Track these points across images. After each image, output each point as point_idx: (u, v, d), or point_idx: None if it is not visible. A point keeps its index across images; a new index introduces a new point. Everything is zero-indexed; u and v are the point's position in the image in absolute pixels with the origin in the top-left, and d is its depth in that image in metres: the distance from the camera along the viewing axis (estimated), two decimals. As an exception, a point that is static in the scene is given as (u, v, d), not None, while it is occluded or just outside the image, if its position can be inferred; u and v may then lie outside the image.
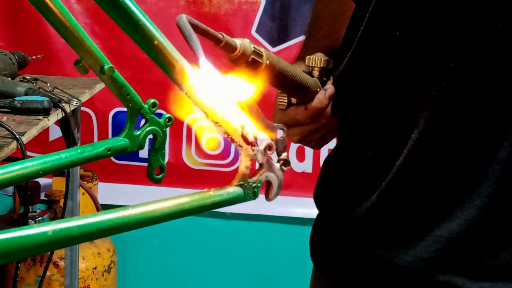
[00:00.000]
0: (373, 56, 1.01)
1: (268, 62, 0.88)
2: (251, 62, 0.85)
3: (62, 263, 2.39)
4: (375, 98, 1.03)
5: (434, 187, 0.99)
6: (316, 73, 1.03)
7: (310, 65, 1.04)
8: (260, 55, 0.87)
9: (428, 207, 1.00)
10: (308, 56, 1.04)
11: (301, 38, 2.54)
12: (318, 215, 1.17)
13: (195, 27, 0.68)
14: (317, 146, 1.11)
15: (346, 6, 1.08)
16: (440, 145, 0.97)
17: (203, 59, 0.58)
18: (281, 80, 0.95)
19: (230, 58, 0.83)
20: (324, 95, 1.02)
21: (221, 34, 0.78)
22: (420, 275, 1.01)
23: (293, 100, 1.03)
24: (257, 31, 2.56)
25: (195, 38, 0.64)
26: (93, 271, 2.49)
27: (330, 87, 1.03)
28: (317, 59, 1.03)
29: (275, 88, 1.01)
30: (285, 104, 1.03)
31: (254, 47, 0.85)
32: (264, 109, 0.67)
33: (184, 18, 0.67)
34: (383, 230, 1.03)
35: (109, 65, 0.59)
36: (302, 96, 1.02)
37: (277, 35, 2.56)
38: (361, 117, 1.06)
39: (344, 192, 1.09)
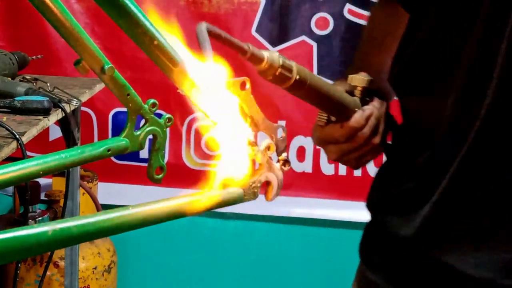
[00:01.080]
0: (430, 58, 1.00)
1: (298, 76, 0.87)
2: (279, 76, 0.84)
3: (62, 263, 2.39)
4: (427, 103, 1.02)
5: (494, 189, 0.97)
6: (358, 92, 1.03)
7: (352, 84, 1.03)
8: (290, 70, 0.86)
9: (489, 211, 0.98)
10: (350, 75, 1.04)
11: (301, 38, 2.54)
12: (371, 222, 1.15)
13: (218, 36, 0.68)
14: (356, 166, 1.11)
15: (396, 24, 1.08)
16: (498, 143, 0.95)
17: (211, 64, 0.59)
18: (315, 96, 0.95)
19: (257, 70, 0.82)
20: (361, 115, 1.02)
21: (247, 45, 0.77)
22: (484, 281, 0.98)
23: (332, 118, 1.03)
24: (257, 31, 2.56)
25: (208, 46, 0.64)
26: (93, 271, 2.49)
27: (368, 108, 1.03)
28: (360, 79, 1.03)
29: (310, 104, 1.00)
30: (324, 121, 1.03)
31: (283, 61, 0.84)
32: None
33: (203, 27, 0.66)
34: (444, 235, 1.01)
35: (109, 65, 0.59)
36: (339, 114, 1.02)
37: (277, 35, 2.56)
38: (413, 123, 1.06)
39: (401, 198, 1.07)
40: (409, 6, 1.05)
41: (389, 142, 1.13)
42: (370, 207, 1.15)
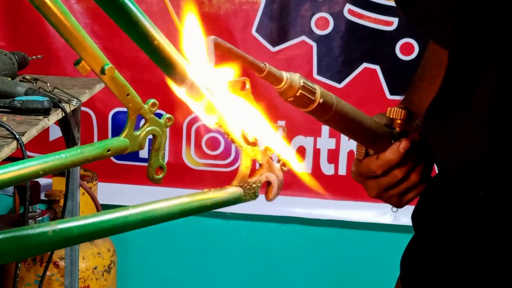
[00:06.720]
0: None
1: (322, 100, 0.85)
2: (300, 97, 0.83)
3: (62, 263, 2.39)
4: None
5: None
6: (397, 125, 1.01)
7: (391, 117, 1.01)
8: (313, 92, 0.84)
9: None
10: (389, 108, 1.01)
11: (301, 38, 2.54)
12: (416, 237, 1.10)
13: (229, 51, 0.67)
14: (398, 204, 1.07)
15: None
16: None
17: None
18: (344, 124, 0.92)
19: (277, 91, 0.81)
20: (397, 146, 0.99)
21: (264, 64, 0.76)
22: None
23: (371, 152, 1.01)
24: (257, 31, 2.56)
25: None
26: (93, 271, 2.49)
27: (405, 140, 1.00)
28: (398, 111, 1.01)
29: (341, 133, 0.98)
30: (362, 154, 1.02)
31: (304, 82, 0.82)
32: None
33: (211, 40, 0.65)
34: (489, 267, 0.96)
35: (109, 65, 0.59)
36: (376, 147, 1.00)
37: (277, 35, 2.56)
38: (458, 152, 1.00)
39: (446, 221, 1.02)
40: (446, 46, 1.01)
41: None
42: (414, 222, 1.10)
